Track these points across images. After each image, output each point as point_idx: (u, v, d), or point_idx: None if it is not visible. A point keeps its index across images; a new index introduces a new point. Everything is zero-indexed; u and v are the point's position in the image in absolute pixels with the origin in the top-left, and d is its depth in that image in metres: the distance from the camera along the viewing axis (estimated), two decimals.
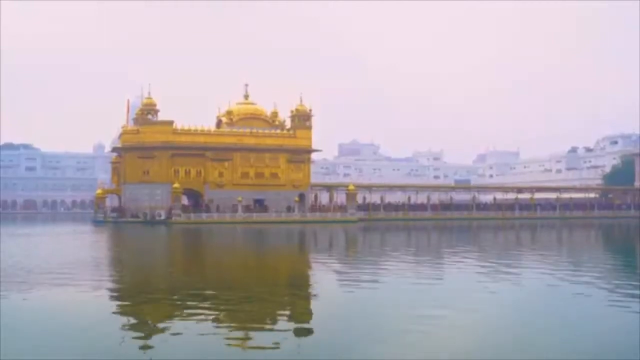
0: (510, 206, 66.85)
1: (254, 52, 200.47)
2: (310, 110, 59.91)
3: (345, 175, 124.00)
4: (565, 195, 71.38)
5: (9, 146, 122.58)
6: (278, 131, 60.29)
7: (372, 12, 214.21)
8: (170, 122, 56.36)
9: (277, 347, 7.84)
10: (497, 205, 67.80)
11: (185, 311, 10.28)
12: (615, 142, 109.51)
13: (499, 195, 72.67)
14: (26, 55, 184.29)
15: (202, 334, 8.52)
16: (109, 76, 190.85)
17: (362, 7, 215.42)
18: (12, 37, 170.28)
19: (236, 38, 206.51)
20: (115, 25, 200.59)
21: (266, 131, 59.40)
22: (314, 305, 11.47)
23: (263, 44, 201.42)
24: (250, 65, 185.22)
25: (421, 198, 68.82)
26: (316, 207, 59.41)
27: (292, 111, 60.06)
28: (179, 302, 11.24)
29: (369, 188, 66.92)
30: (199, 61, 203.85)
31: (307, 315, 10.32)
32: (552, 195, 71.82)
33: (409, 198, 65.48)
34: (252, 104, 62.32)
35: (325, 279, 15.14)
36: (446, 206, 65.25)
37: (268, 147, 58.47)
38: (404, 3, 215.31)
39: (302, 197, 58.39)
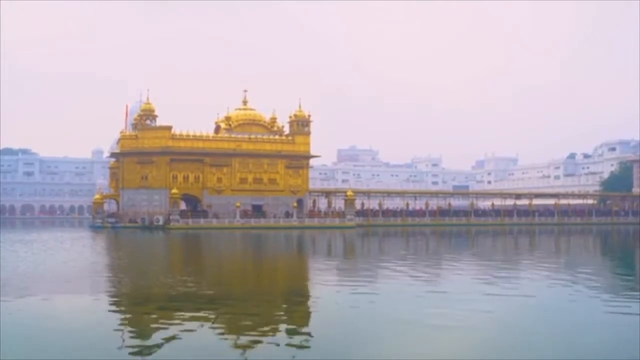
0: (508, 212, 66.90)
1: (254, 59, 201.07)
2: (309, 115, 60.01)
3: (344, 181, 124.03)
4: (564, 202, 71.49)
5: (8, 151, 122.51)
6: (277, 137, 60.33)
7: (372, 20, 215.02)
8: (169, 128, 56.39)
9: (276, 352, 7.83)
10: (496, 211, 67.90)
11: (184, 317, 10.26)
12: (613, 149, 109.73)
13: (498, 201, 72.74)
14: (25, 60, 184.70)
15: (201, 339, 8.51)
16: (108, 81, 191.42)
17: (363, 15, 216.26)
18: (12, 41, 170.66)
19: (236, 44, 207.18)
20: (114, 31, 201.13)
21: (265, 137, 59.45)
22: (312, 311, 11.44)
23: (263, 51, 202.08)
24: (249, 71, 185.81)
25: (419, 204, 68.95)
26: (314, 213, 59.39)
27: (290, 117, 60.11)
28: (178, 308, 11.21)
29: (368, 194, 66.95)
30: (198, 67, 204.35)
31: (305, 321, 10.30)
32: (551, 202, 71.91)
33: (408, 204, 65.52)
34: (251, 109, 62.41)
35: (323, 285, 15.12)
36: (444, 212, 65.30)
37: (266, 152, 58.50)
38: (403, 12, 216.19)
39: (300, 202, 58.37)
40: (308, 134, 59.98)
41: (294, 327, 9.67)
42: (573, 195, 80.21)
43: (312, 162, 63.17)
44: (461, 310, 10.74)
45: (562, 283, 14.94)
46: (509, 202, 70.24)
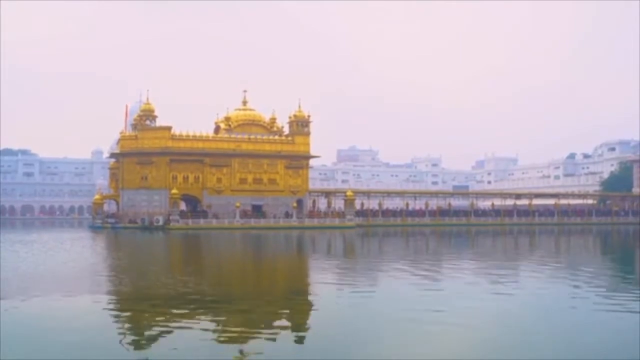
0: (508, 212, 66.89)
1: (254, 59, 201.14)
2: (309, 116, 60.00)
3: (344, 181, 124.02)
4: (564, 202, 71.48)
5: (8, 151, 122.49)
6: (276, 137, 60.32)
7: (372, 20, 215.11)
8: (169, 128, 56.38)
9: (276, 352, 7.84)
10: (496, 211, 67.88)
11: (184, 317, 10.26)
12: (613, 149, 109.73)
13: (497, 202, 72.71)
14: (25, 60, 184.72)
15: (201, 339, 8.51)
16: (108, 81, 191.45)
17: (363, 15, 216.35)
18: (12, 41, 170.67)
19: (236, 44, 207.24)
20: (114, 31, 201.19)
21: (264, 137, 59.44)
22: (312, 311, 11.45)
23: (263, 51, 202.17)
24: (249, 71, 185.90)
25: (419, 204, 68.92)
26: (314, 213, 59.38)
27: (290, 117, 60.09)
28: (178, 308, 11.21)
29: (367, 194, 66.93)
30: (198, 67, 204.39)
31: (305, 320, 10.30)
32: (551, 202, 71.90)
33: (407, 204, 65.51)
34: (251, 110, 62.42)
35: (323, 285, 15.12)
36: (444, 212, 65.29)
37: (266, 153, 58.48)
38: (403, 12, 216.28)
39: (300, 203, 58.36)
40: (308, 134, 59.98)
41: (294, 326, 9.67)
42: (573, 195, 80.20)
43: (311, 162, 63.16)
44: (461, 309, 10.74)
45: (562, 283, 14.95)
46: (509, 202, 70.23)
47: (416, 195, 71.37)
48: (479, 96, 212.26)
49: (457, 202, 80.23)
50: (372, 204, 64.29)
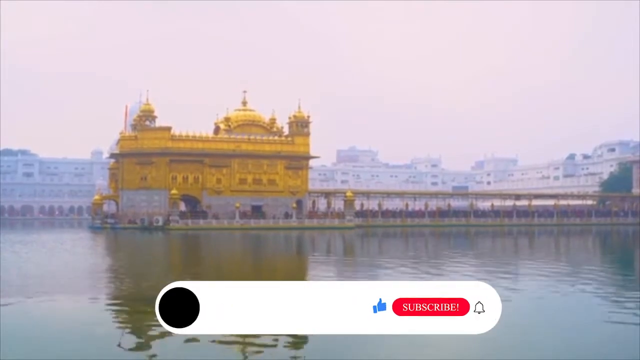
0: (508, 213, 66.91)
1: (254, 59, 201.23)
2: (309, 116, 59.99)
3: (343, 181, 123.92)
4: (563, 202, 71.49)
5: (7, 152, 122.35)
6: (276, 137, 60.33)
7: (372, 20, 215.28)
8: (168, 128, 56.38)
9: (276, 352, 7.84)
10: (495, 212, 67.89)
11: None
12: (613, 150, 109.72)
13: (497, 202, 72.72)
14: (25, 60, 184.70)
15: (201, 339, 8.51)
16: (108, 81, 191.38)
17: (363, 15, 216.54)
18: (12, 41, 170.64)
19: (236, 44, 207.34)
20: (114, 31, 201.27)
21: (264, 137, 59.45)
22: None
23: (263, 51, 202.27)
24: (249, 71, 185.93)
25: (419, 205, 68.92)
26: (314, 214, 59.38)
27: (290, 117, 60.10)
28: None
29: (367, 194, 66.93)
30: (198, 67, 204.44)
31: None
32: (550, 202, 71.90)
33: (407, 205, 65.51)
34: (250, 110, 62.43)
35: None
36: (444, 213, 65.28)
37: (266, 153, 58.48)
38: (403, 12, 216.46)
39: (299, 203, 58.34)
40: (307, 134, 59.98)
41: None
42: (572, 196, 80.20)
43: (311, 162, 63.15)
44: None
45: (562, 283, 14.96)
46: (509, 202, 70.24)
47: (416, 196, 71.36)
48: (479, 96, 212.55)
49: (457, 203, 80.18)
50: (372, 204, 64.27)
